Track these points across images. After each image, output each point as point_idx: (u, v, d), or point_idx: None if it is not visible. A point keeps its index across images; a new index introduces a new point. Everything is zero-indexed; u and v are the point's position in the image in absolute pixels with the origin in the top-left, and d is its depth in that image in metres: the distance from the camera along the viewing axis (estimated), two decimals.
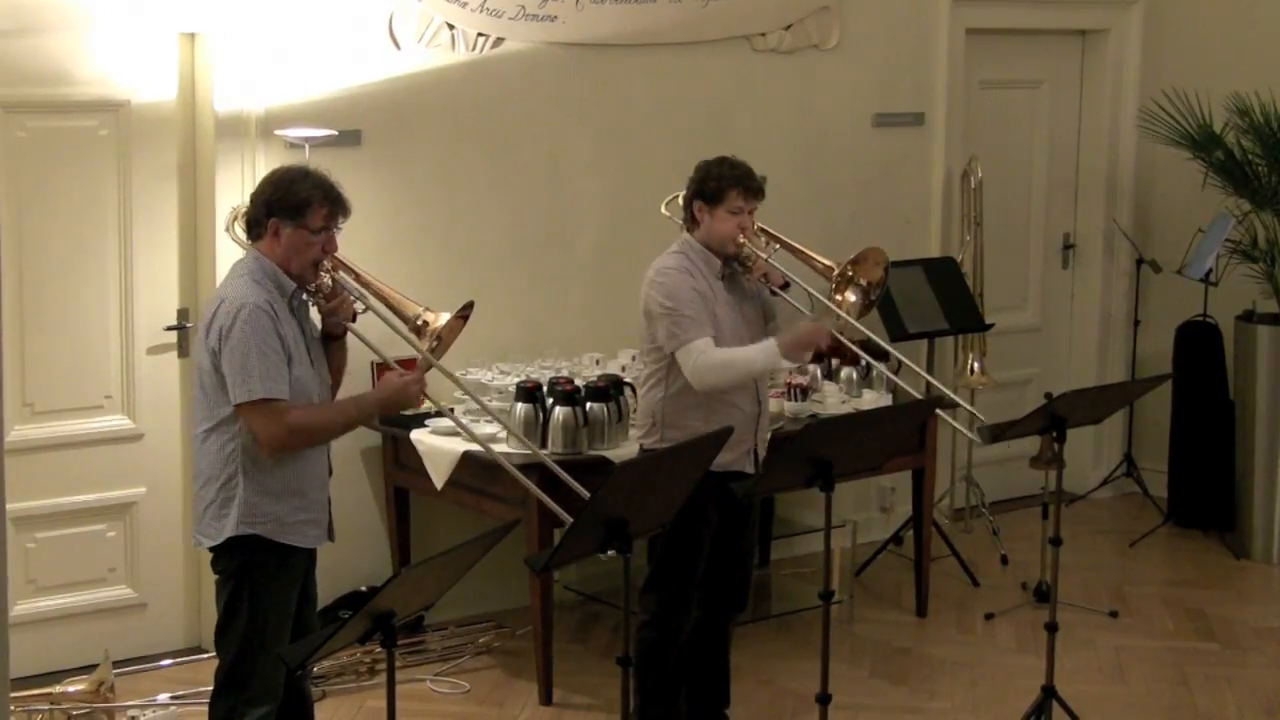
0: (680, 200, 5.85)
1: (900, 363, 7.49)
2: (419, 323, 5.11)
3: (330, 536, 5.01)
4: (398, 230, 6.93)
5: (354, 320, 4.99)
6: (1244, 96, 8.30)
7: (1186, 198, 8.80)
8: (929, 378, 6.64)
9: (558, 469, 5.30)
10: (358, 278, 5.05)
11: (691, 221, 5.69)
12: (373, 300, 5.04)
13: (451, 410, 5.69)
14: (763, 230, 5.88)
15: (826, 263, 5.94)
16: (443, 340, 5.15)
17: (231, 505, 4.76)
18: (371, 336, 5.04)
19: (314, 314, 4.97)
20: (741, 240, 5.61)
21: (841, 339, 5.91)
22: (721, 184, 5.59)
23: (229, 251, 6.57)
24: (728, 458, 5.48)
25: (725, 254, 5.64)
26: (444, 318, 5.13)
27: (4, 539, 4.02)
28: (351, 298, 4.95)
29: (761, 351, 5.56)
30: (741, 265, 5.66)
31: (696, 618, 5.76)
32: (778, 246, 5.97)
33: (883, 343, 6.21)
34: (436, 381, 5.53)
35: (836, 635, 6.08)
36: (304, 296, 4.87)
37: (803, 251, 6.03)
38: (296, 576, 4.91)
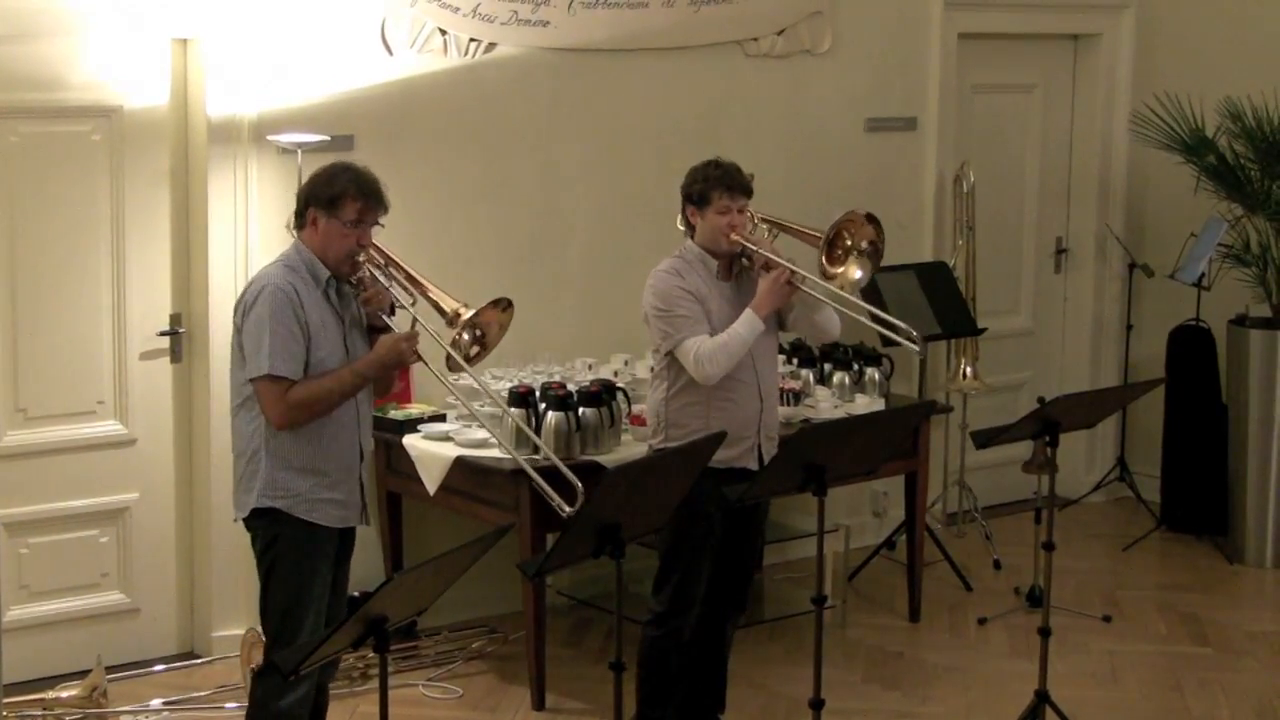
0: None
1: (893, 368, 7.53)
2: (455, 316, 5.22)
3: (365, 520, 5.18)
4: (390, 234, 6.88)
5: (392, 313, 5.14)
6: (1236, 100, 8.31)
7: (1178, 202, 8.80)
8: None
9: (547, 474, 5.30)
10: (404, 272, 5.23)
11: (689, 227, 5.74)
12: (407, 297, 5.18)
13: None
14: (764, 220, 5.92)
15: (813, 232, 5.95)
16: (487, 339, 5.33)
17: (256, 479, 4.98)
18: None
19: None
20: (735, 237, 5.63)
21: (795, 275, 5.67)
22: (706, 186, 5.65)
23: (223, 256, 6.64)
24: (730, 454, 5.53)
25: (722, 253, 5.67)
26: (471, 311, 5.26)
27: None
28: (387, 290, 5.10)
29: (742, 322, 5.60)
30: (747, 260, 5.69)
31: (698, 618, 5.77)
32: (777, 234, 6.02)
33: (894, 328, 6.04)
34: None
35: (829, 640, 6.08)
36: (344, 286, 5.05)
37: (796, 229, 6.05)
38: (324, 555, 5.06)
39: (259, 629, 5.31)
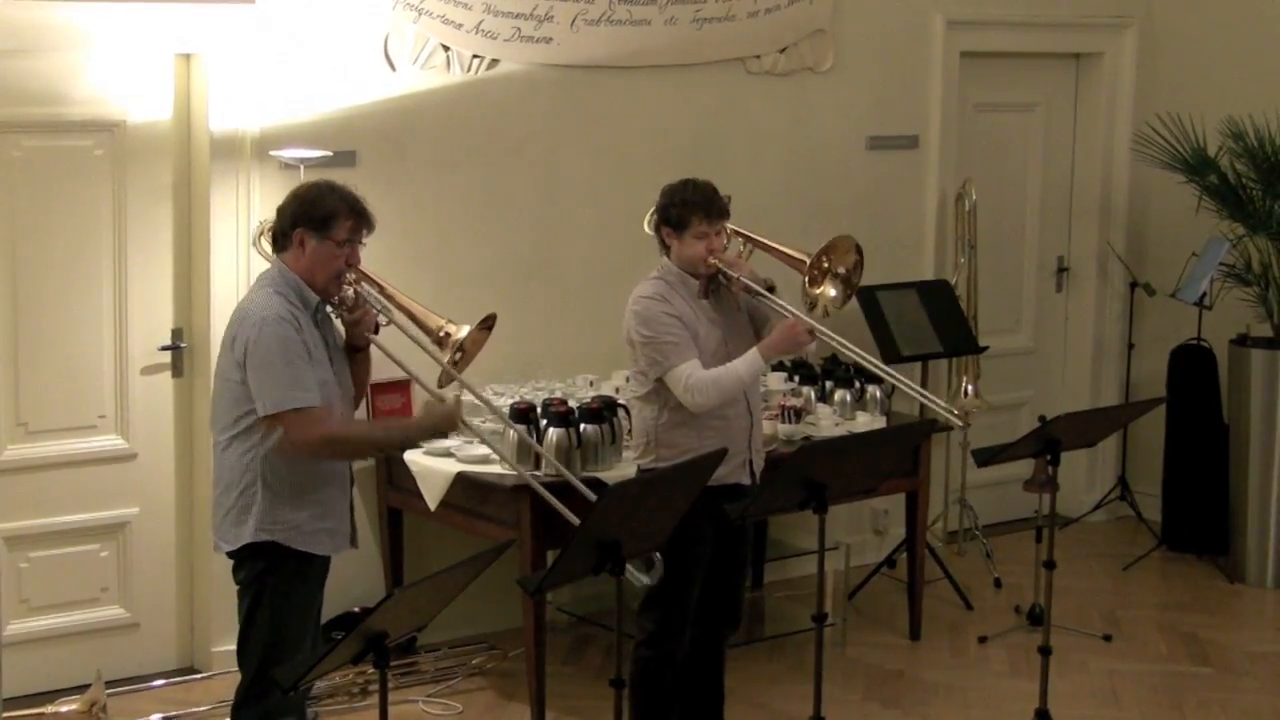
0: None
1: (894, 386, 7.51)
2: (441, 335, 5.22)
3: (353, 543, 5.09)
4: (392, 251, 6.91)
5: (376, 332, 5.06)
6: (1238, 120, 8.31)
7: (1180, 221, 8.81)
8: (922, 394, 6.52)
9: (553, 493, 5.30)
10: (382, 290, 5.14)
11: (663, 246, 5.70)
12: (396, 314, 5.13)
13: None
14: (736, 233, 5.89)
15: (798, 256, 5.92)
16: (466, 353, 5.26)
17: (250, 512, 4.84)
18: (393, 349, 5.12)
19: (338, 325, 5.04)
20: (713, 260, 5.61)
21: (818, 329, 5.71)
22: (684, 210, 5.58)
23: (225, 271, 6.63)
24: (723, 471, 5.48)
25: (700, 274, 5.65)
26: (465, 330, 5.21)
27: None
28: (374, 310, 5.02)
29: (744, 362, 5.57)
30: (724, 279, 5.67)
31: (691, 637, 5.75)
32: (753, 250, 5.99)
33: (877, 365, 6.12)
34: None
35: (829, 658, 6.08)
36: (327, 309, 4.96)
37: (776, 248, 6.02)
38: (316, 585, 5.00)
39: None
